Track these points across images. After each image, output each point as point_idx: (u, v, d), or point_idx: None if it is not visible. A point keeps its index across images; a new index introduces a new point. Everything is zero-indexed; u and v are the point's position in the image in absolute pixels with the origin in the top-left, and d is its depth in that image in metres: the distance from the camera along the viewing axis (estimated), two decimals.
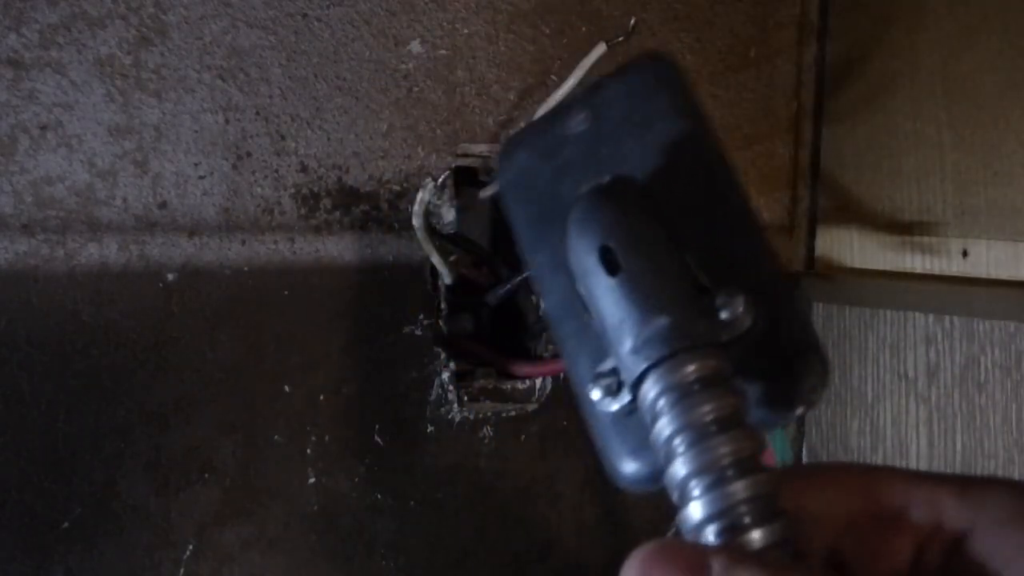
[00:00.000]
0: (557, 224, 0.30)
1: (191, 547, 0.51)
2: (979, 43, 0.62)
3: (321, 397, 0.54)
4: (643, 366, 0.25)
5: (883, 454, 0.69)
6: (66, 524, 0.48)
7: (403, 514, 0.57)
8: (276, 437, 0.53)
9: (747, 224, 0.30)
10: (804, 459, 0.76)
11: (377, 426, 0.56)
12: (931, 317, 0.65)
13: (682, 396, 0.24)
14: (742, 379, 0.26)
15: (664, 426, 0.24)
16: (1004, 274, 0.61)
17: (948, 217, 0.65)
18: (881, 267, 0.69)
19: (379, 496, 0.56)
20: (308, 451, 0.54)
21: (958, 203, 0.64)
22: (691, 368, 0.25)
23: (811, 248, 0.75)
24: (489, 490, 0.60)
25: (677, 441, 0.24)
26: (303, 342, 0.54)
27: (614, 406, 0.27)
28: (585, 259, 0.27)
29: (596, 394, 0.27)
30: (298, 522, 0.54)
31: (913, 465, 0.66)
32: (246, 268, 0.52)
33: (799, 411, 0.28)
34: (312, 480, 0.54)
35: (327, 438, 0.55)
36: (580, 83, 0.58)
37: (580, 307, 0.30)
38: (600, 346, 0.28)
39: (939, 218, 0.65)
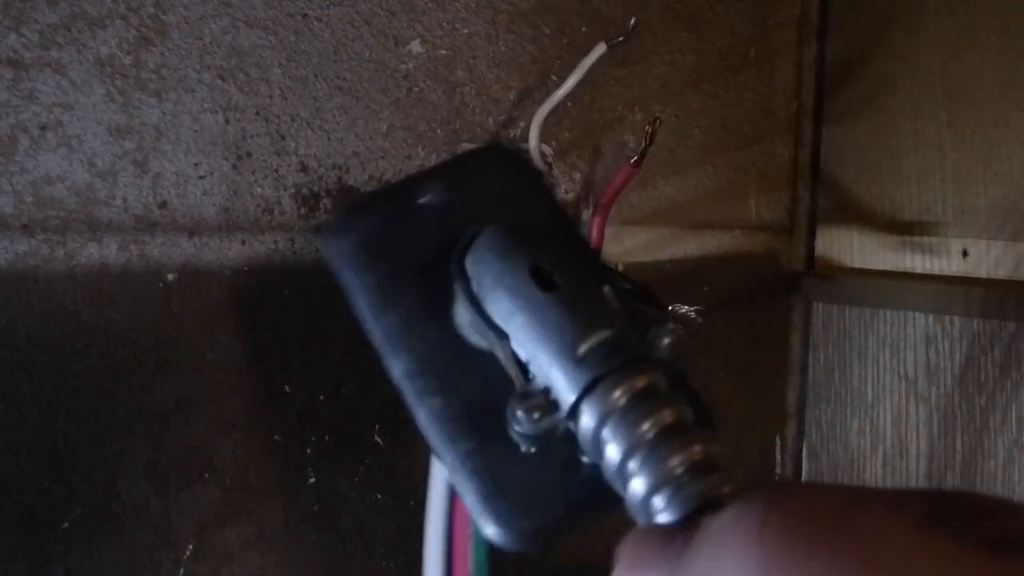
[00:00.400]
0: (414, 284, 0.31)
1: (191, 547, 0.51)
2: (979, 43, 0.62)
3: (321, 397, 0.54)
4: (590, 377, 0.25)
5: (883, 454, 0.69)
6: (66, 524, 0.48)
7: (403, 514, 0.57)
8: (276, 437, 0.53)
9: (609, 307, 0.30)
10: (804, 460, 0.76)
11: (377, 426, 0.56)
12: (931, 317, 0.65)
13: (632, 407, 0.24)
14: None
15: (619, 440, 0.24)
16: (1004, 274, 0.61)
17: (948, 217, 0.65)
18: (881, 267, 0.69)
19: (379, 496, 0.56)
20: (308, 451, 0.54)
21: (958, 203, 0.64)
22: (637, 382, 0.25)
23: (811, 248, 0.75)
24: None
25: (636, 456, 0.24)
26: (303, 342, 0.54)
27: (539, 428, 0.26)
28: (511, 279, 0.27)
29: (520, 415, 0.26)
30: (298, 522, 0.54)
31: (913, 465, 0.67)
32: (246, 268, 0.52)
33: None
34: (312, 480, 0.54)
35: (327, 438, 0.55)
36: (580, 83, 0.58)
37: (453, 352, 0.29)
38: (489, 384, 0.28)
39: (939, 218, 0.65)
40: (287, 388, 0.54)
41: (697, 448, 0.23)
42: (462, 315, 0.30)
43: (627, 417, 0.24)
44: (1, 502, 0.47)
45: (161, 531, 0.51)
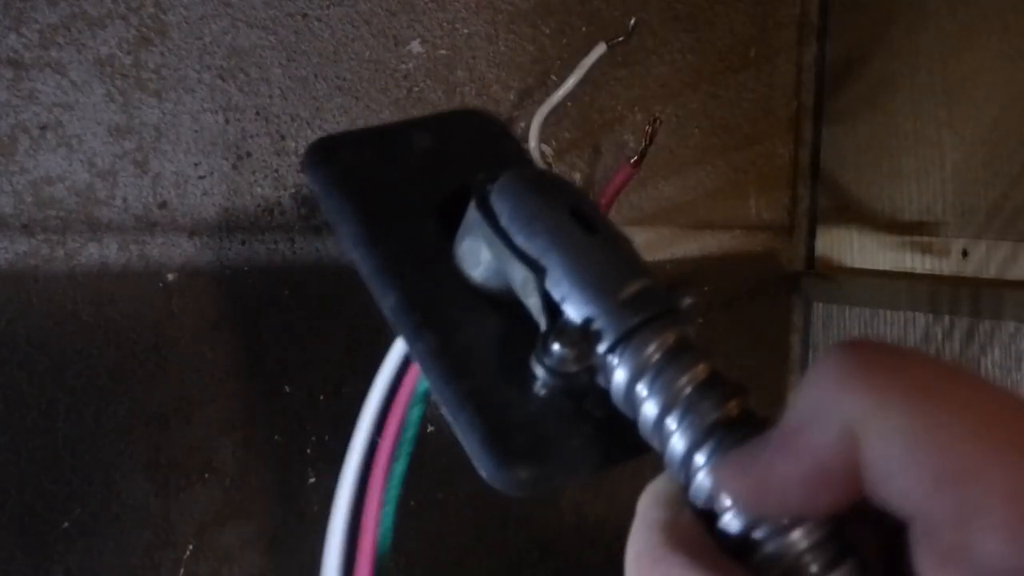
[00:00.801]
0: (408, 216, 0.30)
1: (191, 547, 0.51)
2: (979, 43, 0.62)
3: (321, 397, 0.54)
4: (633, 321, 0.24)
5: None
6: (66, 524, 0.48)
7: (403, 514, 0.57)
8: (276, 437, 0.53)
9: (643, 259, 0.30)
10: None
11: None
12: (931, 317, 0.65)
13: (674, 358, 0.24)
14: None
15: (659, 390, 0.24)
16: (1004, 274, 0.61)
17: (948, 217, 0.65)
18: (881, 267, 0.69)
19: None
20: (308, 451, 0.54)
21: (958, 203, 0.64)
22: (678, 332, 0.24)
23: (811, 248, 0.75)
24: (489, 490, 0.60)
25: (677, 408, 0.23)
26: (303, 342, 0.54)
27: (570, 366, 0.25)
28: (551, 216, 0.27)
29: (555, 349, 0.25)
30: (298, 522, 0.54)
31: None
32: (246, 268, 0.52)
33: None
34: (312, 480, 0.54)
35: (327, 438, 0.55)
36: (580, 83, 0.58)
37: (454, 289, 0.28)
38: (493, 325, 0.27)
39: (939, 218, 0.65)
40: (287, 388, 0.54)
41: (734, 402, 0.23)
42: (471, 254, 0.29)
43: (669, 367, 0.24)
44: (1, 502, 0.47)
45: (161, 531, 0.51)
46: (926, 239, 0.66)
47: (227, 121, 0.51)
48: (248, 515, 0.53)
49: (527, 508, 0.61)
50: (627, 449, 0.26)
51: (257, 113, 0.52)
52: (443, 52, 0.57)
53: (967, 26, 0.63)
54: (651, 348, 0.24)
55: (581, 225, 0.26)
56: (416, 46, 0.56)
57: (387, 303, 0.29)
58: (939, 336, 0.65)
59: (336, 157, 0.31)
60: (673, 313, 0.25)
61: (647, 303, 0.25)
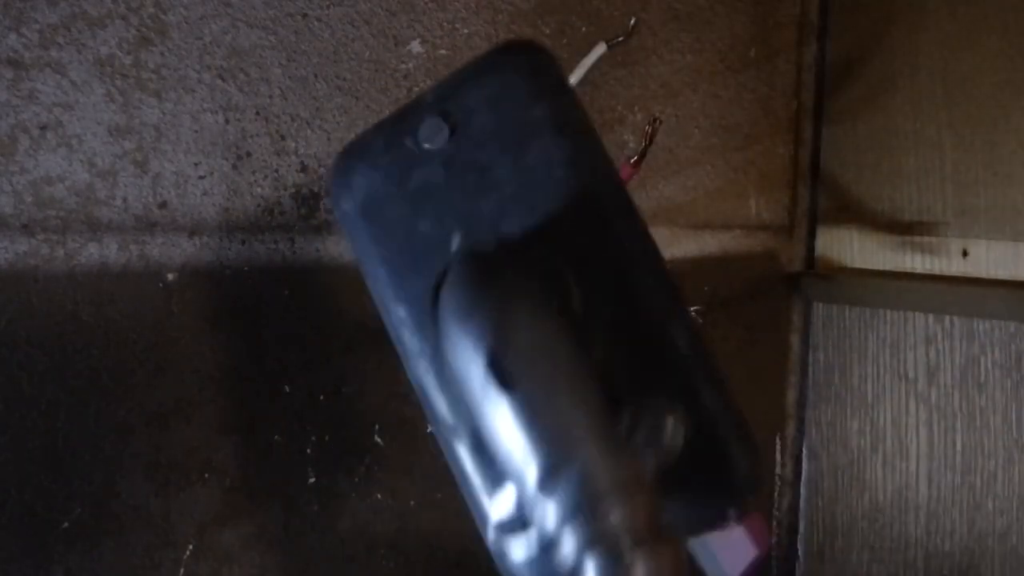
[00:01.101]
0: (421, 270, 0.26)
1: (191, 547, 0.51)
2: (979, 43, 0.62)
3: (321, 397, 0.54)
4: (558, 513, 0.21)
5: (883, 454, 0.69)
6: (66, 524, 0.48)
7: (403, 514, 0.57)
8: (276, 437, 0.53)
9: (661, 282, 0.25)
10: (804, 460, 0.76)
11: (377, 426, 0.56)
12: (931, 317, 0.65)
13: (607, 556, 0.20)
14: (671, 502, 0.22)
15: None
16: (1004, 274, 0.61)
17: (948, 217, 0.65)
18: (881, 267, 0.69)
19: (379, 496, 0.56)
20: (308, 451, 0.54)
21: (958, 203, 0.64)
22: (615, 522, 0.20)
23: (811, 248, 0.75)
24: None
25: None
26: (303, 342, 0.54)
27: (520, 553, 0.22)
28: (469, 364, 0.23)
29: (492, 537, 0.22)
30: (298, 522, 0.54)
31: (913, 465, 0.66)
32: (246, 268, 0.52)
33: (734, 512, 0.23)
34: (312, 480, 0.54)
35: (327, 438, 0.55)
36: (580, 83, 0.58)
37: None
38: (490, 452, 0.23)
39: (939, 218, 0.65)
40: (287, 388, 0.54)
41: None
42: None
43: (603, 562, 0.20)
44: (1, 502, 0.47)
45: (161, 531, 0.51)
46: (926, 239, 0.66)
47: (227, 121, 0.51)
48: (248, 515, 0.53)
49: None
50: None
51: (257, 113, 0.52)
52: (443, 52, 0.57)
53: (967, 26, 0.63)
54: (579, 544, 0.21)
55: (499, 378, 0.22)
56: (416, 46, 0.56)
57: (410, 377, 0.27)
58: (939, 336, 0.65)
59: (349, 185, 0.28)
60: (611, 499, 0.21)
61: (579, 486, 0.21)
